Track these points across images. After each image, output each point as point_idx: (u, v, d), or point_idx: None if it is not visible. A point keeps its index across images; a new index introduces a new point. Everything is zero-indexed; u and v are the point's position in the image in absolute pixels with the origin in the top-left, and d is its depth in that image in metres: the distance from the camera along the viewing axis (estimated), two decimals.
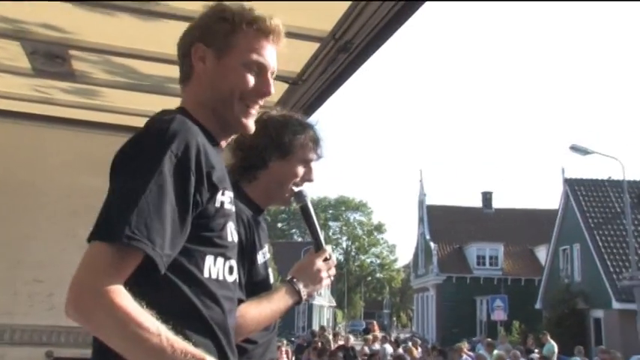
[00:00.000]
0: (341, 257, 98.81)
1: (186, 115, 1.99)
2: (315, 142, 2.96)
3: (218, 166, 1.94)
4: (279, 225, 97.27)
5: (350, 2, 3.34)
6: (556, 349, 21.11)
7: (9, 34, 4.11)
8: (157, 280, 1.76)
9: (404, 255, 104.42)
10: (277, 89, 4.59)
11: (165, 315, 1.70)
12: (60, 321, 5.80)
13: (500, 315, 34.93)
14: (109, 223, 1.71)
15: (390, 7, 3.29)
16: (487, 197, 55.07)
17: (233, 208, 2.06)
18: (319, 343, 19.78)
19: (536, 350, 21.46)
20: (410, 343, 22.79)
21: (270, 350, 2.93)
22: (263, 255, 2.80)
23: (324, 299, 72.78)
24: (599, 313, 32.36)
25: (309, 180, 2.98)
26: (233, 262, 2.04)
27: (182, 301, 1.84)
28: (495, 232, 49.65)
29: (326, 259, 2.91)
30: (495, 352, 18.79)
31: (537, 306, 38.08)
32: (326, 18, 3.59)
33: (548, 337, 22.08)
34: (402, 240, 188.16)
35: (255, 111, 2.13)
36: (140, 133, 1.91)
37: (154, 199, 1.72)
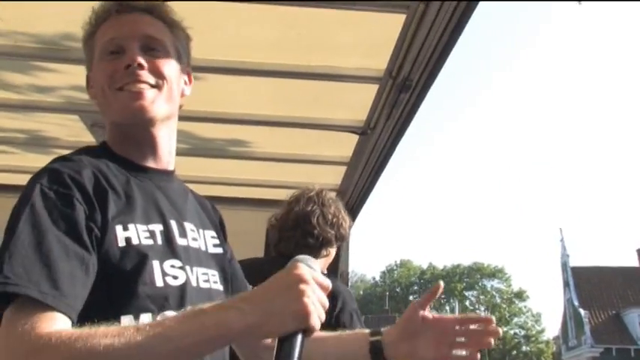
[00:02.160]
0: None
1: (101, 149, 1.88)
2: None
3: (130, 194, 1.74)
4: (411, 297, 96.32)
5: (399, 30, 3.31)
6: None
7: (67, 109, 4.28)
8: None
9: (551, 325, 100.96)
10: (349, 142, 4.70)
11: None
12: None
13: None
14: None
15: (441, 34, 3.20)
16: None
17: (177, 241, 1.79)
18: None
19: None
20: None
21: None
22: None
23: None
24: None
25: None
26: (171, 314, 1.63)
27: None
28: None
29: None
30: None
31: None
32: (379, 55, 3.59)
33: None
34: (547, 308, 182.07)
35: (138, 88, 1.83)
36: None
37: (30, 239, 1.50)
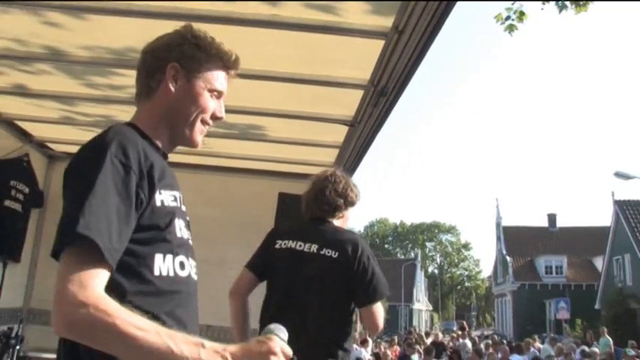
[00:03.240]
0: (435, 271, 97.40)
1: (133, 127, 1.78)
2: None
3: (161, 169, 1.69)
4: (386, 246, 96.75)
5: (380, 51, 3.31)
6: (611, 343, 20.22)
7: (132, 102, 4.27)
8: (109, 284, 1.48)
9: (487, 267, 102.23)
10: (340, 131, 4.71)
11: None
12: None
13: (563, 314, 34.09)
14: (63, 233, 1.46)
15: (410, 55, 3.24)
16: (552, 218, 53.12)
17: (183, 208, 1.79)
18: (413, 339, 19.48)
19: (594, 343, 20.52)
20: (490, 340, 22.23)
21: None
22: None
23: (422, 304, 71.70)
24: None
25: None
26: (183, 258, 1.72)
27: (135, 299, 1.55)
28: (560, 246, 47.95)
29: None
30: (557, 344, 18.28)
31: (596, 307, 36.18)
32: (364, 68, 3.59)
33: (605, 333, 21.23)
34: (484, 255, 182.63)
35: (206, 130, 1.91)
36: (81, 148, 1.64)
37: (98, 199, 1.47)
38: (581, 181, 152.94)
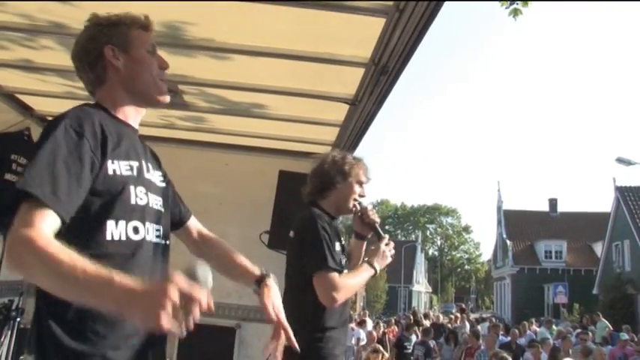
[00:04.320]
0: (436, 253, 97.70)
1: (98, 106, 1.95)
2: (365, 169, 3.36)
3: (117, 140, 1.85)
4: (387, 227, 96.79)
5: (381, 29, 3.31)
6: (609, 326, 20.31)
7: None
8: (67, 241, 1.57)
9: (487, 251, 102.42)
10: (341, 110, 4.71)
11: None
12: None
13: (562, 299, 34.28)
14: (17, 190, 1.61)
15: (410, 34, 3.24)
16: (553, 203, 52.92)
17: (145, 175, 1.95)
18: (412, 320, 19.57)
19: (590, 327, 20.62)
20: (488, 322, 22.32)
21: (342, 344, 3.19)
22: (340, 245, 3.12)
23: (421, 286, 71.86)
24: None
25: (363, 195, 3.38)
26: (137, 223, 1.85)
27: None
28: (560, 231, 47.85)
29: (387, 244, 3.31)
30: (555, 327, 18.46)
31: (594, 291, 36.30)
32: (366, 47, 3.59)
33: (601, 317, 21.29)
34: (485, 238, 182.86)
35: (165, 86, 2.08)
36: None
37: (44, 159, 1.64)
38: (583, 167, 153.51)
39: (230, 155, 6.15)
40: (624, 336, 15.03)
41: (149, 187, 1.95)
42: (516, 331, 14.89)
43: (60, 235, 1.60)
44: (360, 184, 3.34)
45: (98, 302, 1.49)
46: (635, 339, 15.46)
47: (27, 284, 5.65)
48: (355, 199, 3.33)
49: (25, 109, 5.43)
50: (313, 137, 5.61)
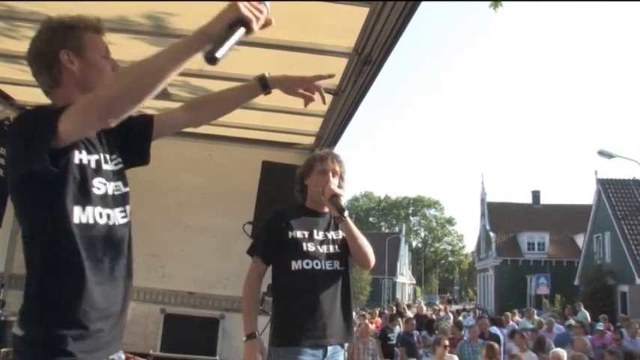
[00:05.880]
0: (419, 245, 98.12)
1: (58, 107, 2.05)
2: (321, 158, 3.59)
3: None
4: (371, 219, 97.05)
5: (364, 18, 3.30)
6: (588, 317, 20.58)
7: None
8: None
9: (470, 242, 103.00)
10: (325, 100, 4.67)
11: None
12: (170, 286, 6.07)
13: (543, 290, 34.77)
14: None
15: (393, 24, 3.24)
16: (536, 195, 53.45)
17: (108, 168, 2.10)
18: (395, 311, 19.67)
19: (571, 317, 20.89)
20: (471, 313, 22.55)
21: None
22: (319, 234, 3.51)
23: (405, 278, 72.19)
24: (624, 288, 31.65)
25: (341, 187, 3.55)
26: (101, 210, 2.01)
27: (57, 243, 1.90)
28: (542, 223, 48.25)
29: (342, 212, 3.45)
30: (536, 317, 18.78)
31: (576, 282, 36.76)
32: (349, 36, 3.58)
33: (582, 307, 21.66)
34: (468, 230, 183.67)
35: None
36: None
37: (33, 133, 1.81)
38: (565, 159, 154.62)
39: (213, 146, 6.11)
40: (600, 326, 15.29)
41: (109, 177, 2.09)
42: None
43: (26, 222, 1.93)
44: (324, 172, 3.54)
45: (194, 46, 1.82)
46: (612, 328, 15.68)
47: (8, 276, 5.60)
48: (321, 187, 3.50)
49: (5, 99, 5.36)
50: (297, 128, 5.59)
